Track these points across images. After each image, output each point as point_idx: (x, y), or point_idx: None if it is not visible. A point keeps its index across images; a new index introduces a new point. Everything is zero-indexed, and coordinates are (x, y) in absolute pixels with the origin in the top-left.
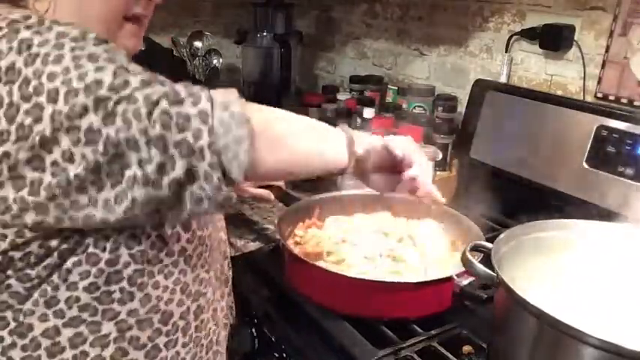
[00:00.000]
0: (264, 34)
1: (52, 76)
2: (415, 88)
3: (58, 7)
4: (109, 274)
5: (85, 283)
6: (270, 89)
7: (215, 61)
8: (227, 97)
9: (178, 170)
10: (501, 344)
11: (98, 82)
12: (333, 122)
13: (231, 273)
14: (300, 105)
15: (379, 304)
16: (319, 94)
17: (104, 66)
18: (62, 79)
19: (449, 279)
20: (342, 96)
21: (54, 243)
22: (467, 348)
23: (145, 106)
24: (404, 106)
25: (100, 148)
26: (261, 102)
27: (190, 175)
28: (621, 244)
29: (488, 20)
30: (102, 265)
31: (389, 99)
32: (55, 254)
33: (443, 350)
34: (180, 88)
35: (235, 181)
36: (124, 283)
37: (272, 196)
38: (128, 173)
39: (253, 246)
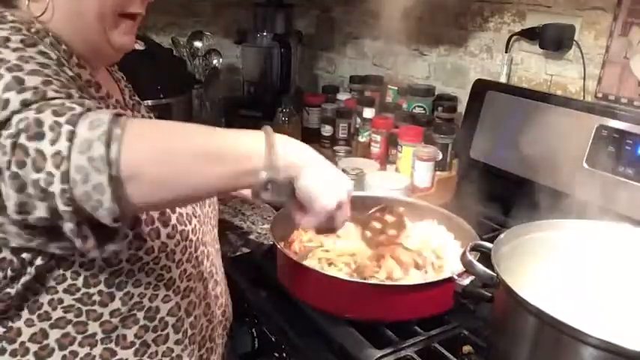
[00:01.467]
0: (264, 34)
1: None
2: (415, 88)
3: (55, 9)
4: (85, 277)
5: (64, 285)
6: (270, 89)
7: (215, 61)
8: (92, 132)
9: (41, 211)
10: (501, 344)
11: None
12: (333, 122)
13: (222, 270)
14: (300, 105)
15: (378, 308)
16: (319, 94)
17: (1, 75)
18: None
19: (449, 280)
20: (342, 96)
21: (26, 255)
22: (467, 348)
23: (11, 137)
24: (404, 106)
25: None
26: (261, 102)
27: (54, 217)
28: (621, 244)
29: (488, 20)
30: (75, 267)
31: (389, 99)
32: (31, 269)
33: (443, 350)
34: (48, 115)
35: (109, 226)
36: (102, 286)
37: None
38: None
39: (252, 245)
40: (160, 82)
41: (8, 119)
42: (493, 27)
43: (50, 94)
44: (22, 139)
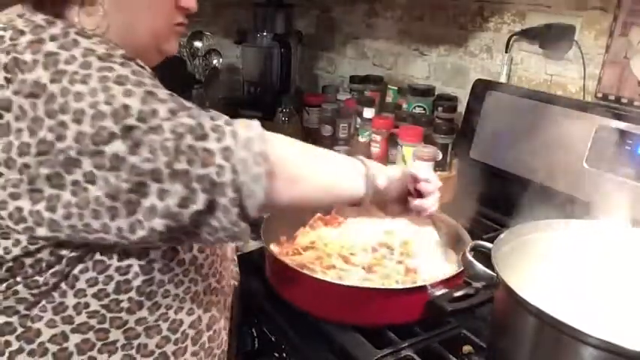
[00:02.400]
0: (264, 34)
1: (78, 97)
2: (415, 88)
3: (109, 25)
4: (118, 282)
5: (94, 289)
6: (270, 89)
7: (215, 61)
8: (249, 132)
9: (200, 204)
10: (501, 344)
11: (126, 108)
12: (333, 122)
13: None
14: (300, 105)
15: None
16: (319, 94)
17: (132, 90)
18: (89, 102)
19: (422, 288)
20: (342, 96)
21: (64, 252)
22: (467, 348)
23: (172, 139)
24: (404, 106)
25: (124, 175)
26: (261, 102)
27: (211, 207)
28: (621, 244)
29: (488, 20)
30: (110, 272)
31: (389, 99)
32: (64, 261)
33: (443, 350)
34: (206, 120)
35: (250, 216)
36: (133, 293)
37: None
38: (145, 203)
39: (253, 245)
40: (159, 82)
41: (160, 126)
42: (493, 27)
43: (187, 104)
44: (189, 141)
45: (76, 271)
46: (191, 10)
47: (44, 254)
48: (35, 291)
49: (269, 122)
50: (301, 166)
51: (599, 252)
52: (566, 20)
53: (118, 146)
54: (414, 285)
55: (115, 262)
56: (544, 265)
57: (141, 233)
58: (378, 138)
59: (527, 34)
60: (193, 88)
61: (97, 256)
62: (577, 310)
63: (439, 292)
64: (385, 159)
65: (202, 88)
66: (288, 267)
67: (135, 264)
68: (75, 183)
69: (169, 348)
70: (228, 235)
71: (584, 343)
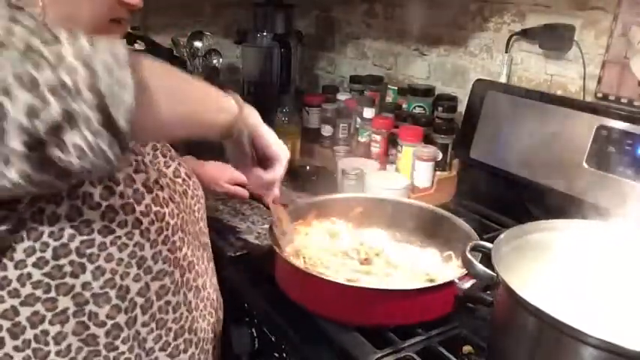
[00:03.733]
0: (264, 34)
1: None
2: (415, 88)
3: (47, 15)
4: (54, 248)
5: (33, 259)
6: (270, 89)
7: (215, 61)
8: (111, 42)
9: (53, 112)
10: (501, 344)
11: None
12: (333, 122)
13: (213, 266)
14: (300, 105)
15: (377, 313)
16: (319, 94)
17: None
18: None
19: (450, 283)
20: (342, 96)
21: None
22: (467, 348)
23: (19, 40)
24: (404, 106)
25: None
26: (261, 102)
27: (69, 118)
28: (621, 244)
29: (488, 20)
30: (45, 238)
31: (389, 99)
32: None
33: (443, 350)
34: (59, 29)
35: (122, 130)
36: (73, 256)
37: (247, 194)
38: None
39: (252, 245)
40: None
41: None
42: (493, 27)
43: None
44: (35, 43)
45: (12, 242)
46: (135, 6)
47: None
48: None
49: (269, 122)
50: (177, 84)
51: (599, 252)
52: (566, 20)
53: None
54: (443, 282)
55: (46, 227)
56: (544, 265)
57: (15, 166)
58: (378, 138)
59: (527, 34)
60: None
61: (30, 224)
62: (577, 310)
63: (467, 284)
64: (385, 159)
65: None
66: (304, 272)
67: (66, 226)
68: None
69: (122, 318)
70: (96, 155)
71: (584, 343)
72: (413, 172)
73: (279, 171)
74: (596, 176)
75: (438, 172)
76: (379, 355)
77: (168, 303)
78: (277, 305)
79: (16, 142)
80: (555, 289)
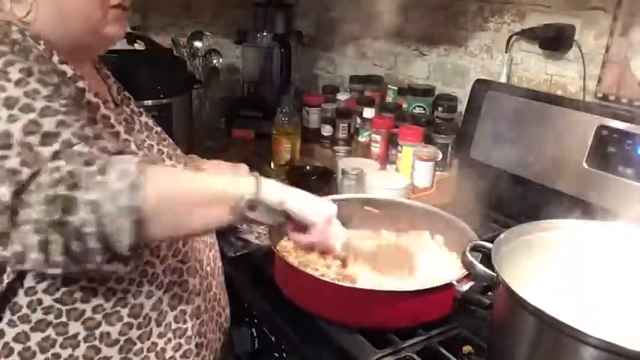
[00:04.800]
0: (264, 34)
1: None
2: (415, 88)
3: (39, 10)
4: (65, 275)
5: (44, 285)
6: (270, 89)
7: (215, 61)
8: (121, 182)
9: (69, 249)
10: (501, 344)
11: (7, 136)
12: (333, 122)
13: (220, 264)
14: (300, 105)
15: (372, 314)
16: (319, 94)
17: (17, 117)
18: None
19: (449, 285)
20: (342, 96)
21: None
22: (467, 348)
23: (49, 188)
24: (404, 106)
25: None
26: (261, 102)
27: (83, 252)
28: (621, 244)
29: (488, 20)
30: None
31: (389, 99)
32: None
33: (443, 350)
34: (80, 168)
35: (123, 255)
36: (84, 281)
37: None
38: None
39: (253, 245)
40: (160, 82)
41: (38, 172)
42: (493, 27)
43: (73, 140)
44: (62, 190)
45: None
46: None
47: None
48: None
49: (269, 122)
50: (177, 211)
51: (599, 252)
52: (566, 20)
53: (3, 191)
54: (441, 283)
55: None
56: (544, 266)
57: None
58: (378, 138)
59: (527, 34)
60: (193, 88)
61: None
62: (577, 310)
63: (466, 286)
64: (385, 159)
65: (202, 88)
66: (302, 272)
67: None
68: None
69: (134, 333)
70: (104, 272)
71: (584, 343)
72: (413, 172)
73: (316, 235)
74: (596, 176)
75: (438, 172)
76: (379, 355)
77: (181, 311)
78: (277, 305)
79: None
80: (555, 289)
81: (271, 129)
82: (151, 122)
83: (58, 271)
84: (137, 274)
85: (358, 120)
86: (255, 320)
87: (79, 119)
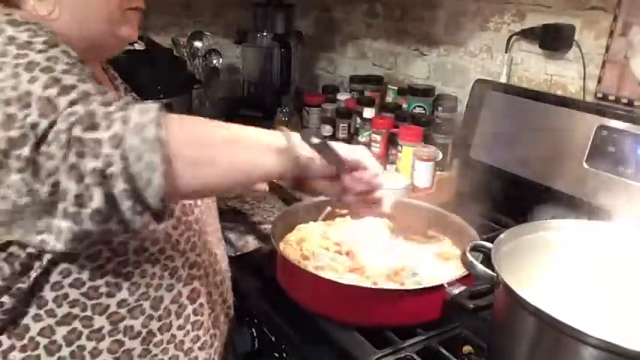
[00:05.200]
0: (264, 34)
1: None
2: (415, 88)
3: (62, 11)
4: (92, 270)
5: (70, 279)
6: (270, 89)
7: (215, 61)
8: (143, 117)
9: (97, 201)
10: (501, 344)
11: (28, 95)
12: (333, 122)
13: (227, 260)
14: (300, 105)
15: (375, 312)
16: (319, 94)
17: (37, 77)
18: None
19: (440, 287)
20: (342, 96)
21: (30, 248)
22: (467, 348)
23: (65, 132)
24: (404, 106)
25: (36, 175)
26: (261, 102)
27: (111, 202)
28: (621, 243)
29: (489, 20)
30: (82, 260)
31: (389, 99)
32: (33, 256)
33: (443, 350)
34: (98, 107)
35: (152, 205)
36: (109, 277)
37: (267, 188)
38: (60, 206)
39: (253, 245)
40: (160, 82)
41: (60, 119)
42: (493, 27)
43: (92, 90)
44: (77, 132)
45: (48, 263)
46: None
47: (14, 249)
48: (21, 297)
49: (269, 122)
50: (205, 148)
51: (599, 252)
52: (566, 20)
53: (26, 149)
54: (432, 285)
55: (84, 249)
56: (544, 265)
57: (64, 236)
58: (378, 138)
59: (527, 34)
60: (193, 88)
61: None
62: (577, 310)
63: (457, 290)
64: (385, 159)
65: (202, 88)
66: (303, 270)
67: (104, 249)
68: None
69: (154, 325)
70: (138, 227)
71: (584, 343)
72: (413, 172)
73: (369, 175)
74: (596, 176)
75: (438, 172)
76: (379, 355)
77: (201, 305)
78: (277, 305)
79: (65, 226)
80: (555, 289)
81: (271, 129)
82: None
83: (88, 232)
84: (159, 268)
85: (358, 120)
86: (255, 320)
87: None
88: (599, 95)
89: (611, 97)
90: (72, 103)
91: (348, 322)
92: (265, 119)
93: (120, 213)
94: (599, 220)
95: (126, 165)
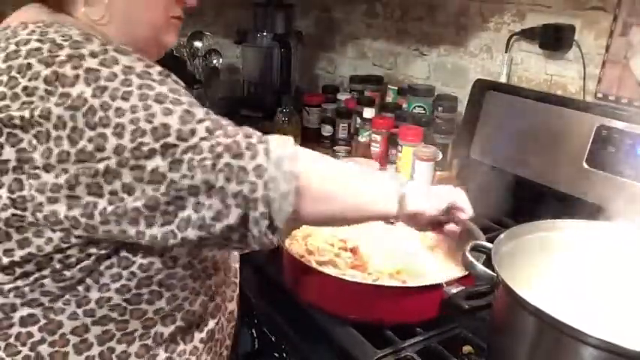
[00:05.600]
0: (264, 34)
1: (119, 112)
2: (415, 88)
3: (112, 16)
4: (140, 279)
5: (117, 285)
6: (270, 89)
7: (215, 61)
8: (282, 150)
9: (232, 218)
10: (501, 344)
11: (165, 127)
12: (333, 122)
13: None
14: (300, 105)
15: (374, 308)
16: (319, 94)
17: (171, 109)
18: (130, 117)
19: (438, 286)
20: (342, 96)
21: (93, 249)
22: (467, 348)
23: (210, 158)
24: (404, 106)
25: (162, 189)
26: (261, 102)
27: (244, 221)
28: (621, 243)
29: (489, 20)
30: (134, 268)
31: (389, 99)
32: (92, 258)
33: (443, 350)
34: (241, 138)
35: (279, 227)
36: (154, 286)
37: None
38: (181, 215)
39: None
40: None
41: (197, 145)
42: (493, 27)
43: (222, 121)
44: (227, 159)
45: (102, 267)
46: (188, 4)
47: (74, 251)
48: (61, 284)
49: (269, 122)
50: (330, 185)
51: (599, 252)
52: (566, 20)
53: (157, 162)
54: (430, 283)
55: (139, 259)
56: (544, 265)
57: (172, 242)
58: (378, 138)
59: (527, 34)
60: (193, 88)
61: (123, 253)
62: (577, 310)
63: (455, 290)
64: (385, 159)
65: (202, 88)
66: (308, 267)
67: (157, 261)
68: (113, 192)
69: (180, 335)
70: (258, 244)
71: (584, 343)
72: (413, 172)
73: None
74: (596, 176)
75: (438, 172)
76: (379, 355)
77: (219, 320)
78: (277, 305)
79: (191, 234)
80: (555, 289)
81: (271, 129)
82: None
83: (211, 239)
84: (199, 284)
85: (358, 120)
86: (255, 320)
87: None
88: (599, 95)
89: (611, 97)
90: (209, 131)
91: (346, 317)
92: (265, 119)
93: (248, 230)
94: (599, 220)
95: (266, 193)
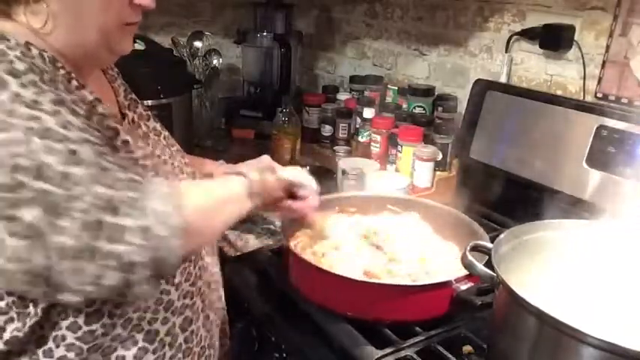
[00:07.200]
0: (264, 34)
1: None
2: (415, 88)
3: (56, 23)
4: (87, 314)
5: (67, 322)
6: (270, 89)
7: (215, 61)
8: (166, 205)
9: (112, 280)
10: (501, 344)
11: (46, 167)
12: (333, 122)
13: (219, 266)
14: (300, 105)
15: (378, 307)
16: (319, 94)
17: (54, 148)
18: (9, 152)
19: (447, 283)
20: (342, 96)
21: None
22: (467, 348)
23: (92, 212)
24: (404, 106)
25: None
26: (261, 102)
27: (127, 284)
28: (621, 243)
29: (488, 20)
30: (79, 305)
31: (389, 99)
32: (36, 309)
33: (443, 350)
34: (123, 194)
35: (169, 274)
36: (105, 319)
37: None
38: (57, 279)
39: (254, 244)
40: (160, 82)
41: (78, 197)
42: (493, 27)
43: (110, 166)
44: (101, 215)
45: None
46: (147, 7)
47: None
48: (17, 345)
49: (269, 122)
50: (210, 216)
51: (599, 252)
52: (566, 20)
53: (35, 214)
54: (439, 281)
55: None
56: (544, 265)
57: (62, 299)
58: (378, 138)
59: (527, 34)
60: (193, 88)
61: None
62: (577, 310)
63: (464, 286)
64: (385, 159)
65: (202, 88)
66: (314, 266)
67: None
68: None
69: (149, 357)
70: (150, 294)
71: (584, 343)
72: (413, 172)
73: (315, 198)
74: (596, 176)
75: (438, 172)
76: (379, 355)
77: (192, 332)
78: (277, 305)
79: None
80: (555, 289)
81: (271, 129)
82: (159, 126)
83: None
84: (153, 303)
85: (358, 120)
86: (256, 320)
87: (109, 151)
88: (599, 95)
89: (611, 97)
90: (93, 179)
91: (351, 315)
92: (265, 119)
93: (130, 289)
94: (599, 220)
95: (152, 255)
